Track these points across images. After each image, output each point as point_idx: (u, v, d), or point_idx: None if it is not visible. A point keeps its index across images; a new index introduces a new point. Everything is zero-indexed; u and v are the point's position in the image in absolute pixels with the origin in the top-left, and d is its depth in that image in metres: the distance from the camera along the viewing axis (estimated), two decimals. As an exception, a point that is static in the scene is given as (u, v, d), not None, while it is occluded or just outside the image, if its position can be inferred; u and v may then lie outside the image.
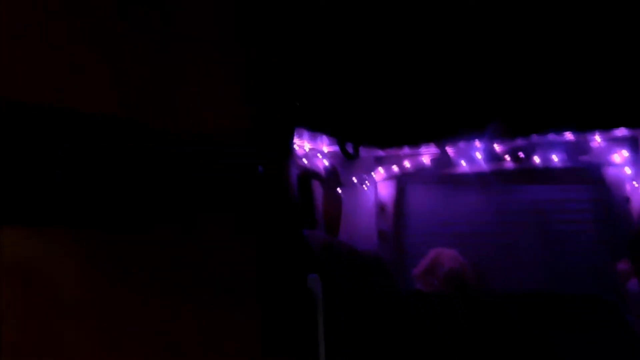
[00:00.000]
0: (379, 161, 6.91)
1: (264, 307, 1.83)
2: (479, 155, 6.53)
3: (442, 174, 6.79)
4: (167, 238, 1.56)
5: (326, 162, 6.01)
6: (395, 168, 6.91)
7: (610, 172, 6.16)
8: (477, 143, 6.43)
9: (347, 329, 4.19)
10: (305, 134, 5.21)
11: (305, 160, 5.53)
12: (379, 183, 7.00)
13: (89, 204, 1.41)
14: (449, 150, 6.55)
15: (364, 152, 6.24)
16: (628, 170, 5.95)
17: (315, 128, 5.01)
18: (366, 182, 6.86)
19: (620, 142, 6.01)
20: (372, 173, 6.91)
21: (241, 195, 1.76)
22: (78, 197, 1.39)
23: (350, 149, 5.41)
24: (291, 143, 2.74)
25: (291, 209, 2.33)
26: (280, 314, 1.87)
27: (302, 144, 5.42)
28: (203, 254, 1.65)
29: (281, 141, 2.10)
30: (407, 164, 6.83)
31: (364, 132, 5.46)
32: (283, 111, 2.06)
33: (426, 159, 6.70)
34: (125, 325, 1.46)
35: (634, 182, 5.88)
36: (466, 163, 6.63)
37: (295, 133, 3.16)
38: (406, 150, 6.66)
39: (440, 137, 6.16)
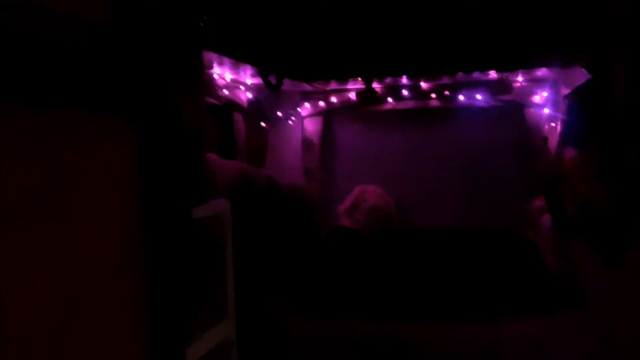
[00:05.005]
0: (306, 96, 6.79)
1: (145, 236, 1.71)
2: (405, 92, 6.50)
3: (369, 110, 6.75)
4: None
5: (249, 95, 5.82)
6: (322, 103, 6.81)
7: (530, 112, 6.30)
8: (404, 80, 6.40)
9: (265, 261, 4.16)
10: (227, 63, 4.98)
11: (226, 91, 5.32)
12: (305, 118, 6.89)
13: None
14: (376, 86, 6.48)
15: (290, 86, 6.08)
16: (547, 111, 6.09)
17: (237, 57, 4.80)
18: (292, 117, 6.73)
19: (542, 82, 6.12)
20: (299, 108, 6.79)
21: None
22: None
23: (273, 80, 5.23)
24: (195, 60, 2.58)
25: (185, 131, 2.20)
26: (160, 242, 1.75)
27: (222, 74, 5.20)
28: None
29: (172, 48, 1.95)
30: (334, 99, 6.74)
31: (289, 64, 5.28)
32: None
33: (353, 95, 6.62)
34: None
35: (552, 123, 6.03)
36: (392, 100, 6.60)
37: (203, 54, 2.98)
38: (333, 85, 6.55)
39: (367, 73, 6.07)
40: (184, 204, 1.85)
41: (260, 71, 5.07)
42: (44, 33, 1.40)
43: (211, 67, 4.92)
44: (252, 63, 4.95)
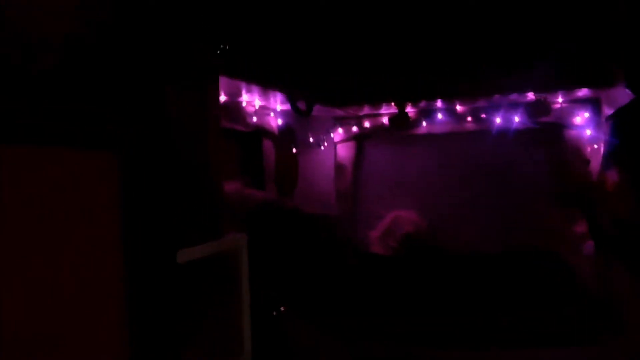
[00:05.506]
0: (338, 121, 6.74)
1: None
2: (440, 116, 6.36)
3: (402, 134, 6.63)
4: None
5: (280, 121, 5.79)
6: (354, 128, 6.74)
7: (570, 134, 6.05)
8: (439, 103, 6.26)
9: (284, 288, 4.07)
10: (256, 89, 4.96)
11: (255, 118, 5.31)
12: (338, 144, 6.83)
13: None
14: (410, 110, 6.36)
15: (322, 111, 6.03)
16: (589, 132, 5.83)
17: (266, 83, 4.77)
18: (324, 142, 6.67)
19: (582, 103, 5.88)
20: (331, 133, 6.73)
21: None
22: None
23: (302, 106, 5.18)
24: (209, 81, 2.53)
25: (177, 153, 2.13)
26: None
27: (252, 101, 5.19)
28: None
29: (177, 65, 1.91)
30: (366, 124, 6.65)
31: (320, 90, 5.23)
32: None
33: (386, 120, 6.52)
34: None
35: (595, 145, 5.77)
36: (427, 123, 6.47)
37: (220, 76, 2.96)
38: (366, 110, 6.47)
39: (400, 97, 5.97)
40: (167, 243, 1.78)
41: (289, 97, 5.03)
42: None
43: (240, 95, 4.91)
44: (281, 89, 4.92)
